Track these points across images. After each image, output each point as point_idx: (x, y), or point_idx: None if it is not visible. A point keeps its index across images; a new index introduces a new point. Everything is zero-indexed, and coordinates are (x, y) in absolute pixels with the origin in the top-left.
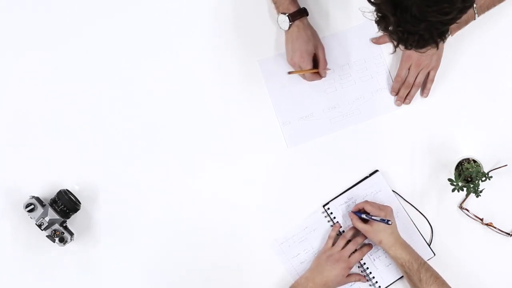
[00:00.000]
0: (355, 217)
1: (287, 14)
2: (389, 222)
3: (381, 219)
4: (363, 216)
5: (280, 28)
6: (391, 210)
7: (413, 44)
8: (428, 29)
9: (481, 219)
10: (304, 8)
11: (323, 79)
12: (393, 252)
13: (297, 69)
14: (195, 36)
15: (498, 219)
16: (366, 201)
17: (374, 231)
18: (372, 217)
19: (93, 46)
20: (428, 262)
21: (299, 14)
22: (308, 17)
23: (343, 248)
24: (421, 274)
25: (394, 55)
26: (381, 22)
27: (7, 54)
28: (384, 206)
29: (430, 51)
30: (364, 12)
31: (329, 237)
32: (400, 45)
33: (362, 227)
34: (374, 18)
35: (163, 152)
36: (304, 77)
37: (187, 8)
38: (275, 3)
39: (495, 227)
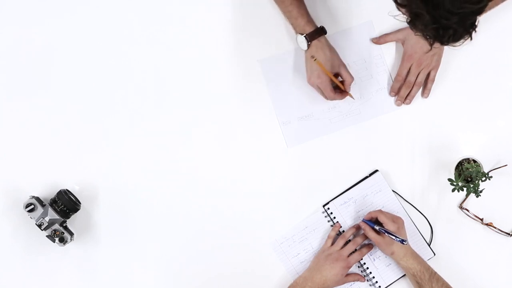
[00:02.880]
0: (367, 227)
1: (304, 35)
2: (405, 242)
3: (397, 238)
4: (376, 228)
5: (300, 47)
6: (403, 222)
7: (449, 39)
8: (461, 21)
9: (481, 219)
10: (322, 27)
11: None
12: (404, 263)
13: (316, 90)
14: (195, 36)
15: (498, 219)
16: (380, 211)
17: (386, 243)
18: (388, 234)
19: (94, 46)
20: (428, 262)
21: (316, 34)
22: (326, 35)
23: (342, 247)
24: (433, 283)
25: (394, 55)
26: (416, 21)
27: (7, 53)
28: (396, 218)
29: (430, 51)
30: (395, 16)
31: (328, 236)
32: (436, 42)
33: (374, 237)
34: (406, 20)
35: (163, 152)
36: (325, 96)
37: (187, 8)
38: (291, 24)
39: (495, 227)
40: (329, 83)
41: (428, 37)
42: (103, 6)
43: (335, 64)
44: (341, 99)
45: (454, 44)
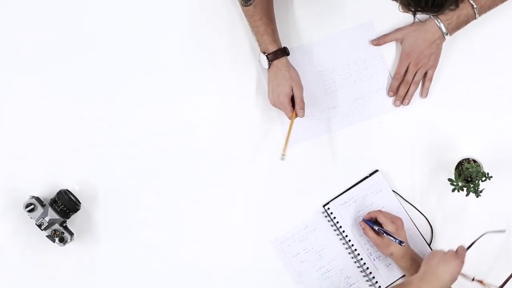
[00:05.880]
0: (367, 227)
1: (266, 54)
2: (403, 244)
3: (395, 239)
4: (376, 228)
5: (262, 66)
6: (402, 222)
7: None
8: None
9: (472, 278)
10: (285, 47)
11: (323, 80)
12: (403, 264)
13: (278, 108)
14: (195, 36)
15: (498, 219)
16: (380, 211)
17: (385, 243)
18: (387, 234)
19: (94, 47)
20: None
21: (278, 54)
22: (289, 56)
23: None
24: None
25: (394, 56)
26: None
27: (7, 54)
28: (395, 218)
29: (429, 50)
30: None
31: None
32: (417, 11)
33: (373, 237)
34: None
35: (163, 152)
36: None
37: (186, 8)
38: (257, 40)
39: (485, 284)
40: (289, 104)
41: (409, 6)
42: (103, 8)
43: (292, 86)
44: (301, 117)
45: (438, 13)
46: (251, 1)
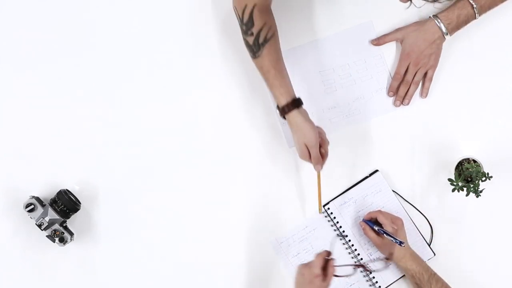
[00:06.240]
0: (367, 227)
1: (278, 108)
2: (403, 244)
3: (396, 240)
4: (376, 228)
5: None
6: (402, 222)
7: None
8: None
9: None
10: (296, 99)
11: (323, 80)
12: (403, 264)
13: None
14: (195, 36)
15: (498, 219)
16: (380, 211)
17: (385, 244)
18: (387, 235)
19: (94, 47)
20: (428, 262)
21: (290, 108)
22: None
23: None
24: (432, 285)
25: (394, 55)
26: None
27: (7, 54)
28: (395, 218)
29: (429, 50)
30: None
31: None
32: None
33: (373, 238)
34: None
35: (164, 152)
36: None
37: (186, 8)
38: (271, 92)
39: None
40: (309, 160)
41: None
42: (103, 8)
43: (307, 143)
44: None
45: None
46: (259, 53)
